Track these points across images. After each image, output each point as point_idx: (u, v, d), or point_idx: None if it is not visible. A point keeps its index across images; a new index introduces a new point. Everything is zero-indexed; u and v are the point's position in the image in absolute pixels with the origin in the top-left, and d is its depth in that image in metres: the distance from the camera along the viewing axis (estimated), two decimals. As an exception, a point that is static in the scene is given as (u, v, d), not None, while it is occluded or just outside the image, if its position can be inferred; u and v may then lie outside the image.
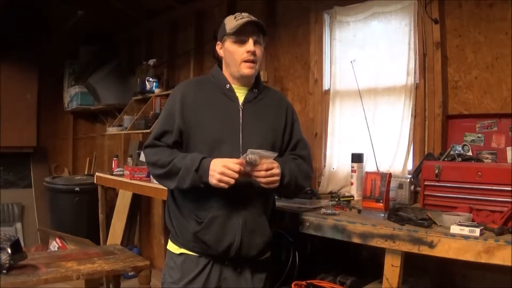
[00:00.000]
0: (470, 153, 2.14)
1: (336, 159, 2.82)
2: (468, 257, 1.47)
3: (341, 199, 2.29)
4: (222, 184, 1.48)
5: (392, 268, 1.66)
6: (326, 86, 2.97)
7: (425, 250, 1.57)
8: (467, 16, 2.27)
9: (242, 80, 1.67)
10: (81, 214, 4.40)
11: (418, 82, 2.43)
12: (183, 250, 1.65)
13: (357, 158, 2.52)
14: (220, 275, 1.64)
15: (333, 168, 2.82)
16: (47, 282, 2.10)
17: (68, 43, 5.06)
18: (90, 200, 4.31)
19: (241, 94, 1.68)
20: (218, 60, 1.74)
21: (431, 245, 1.55)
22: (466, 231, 1.50)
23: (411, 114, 2.42)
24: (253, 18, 1.62)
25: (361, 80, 2.60)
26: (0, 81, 4.60)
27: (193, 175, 1.51)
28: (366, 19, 2.68)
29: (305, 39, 3.08)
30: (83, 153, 5.55)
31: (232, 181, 1.48)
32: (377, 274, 1.97)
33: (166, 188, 1.73)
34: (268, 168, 1.52)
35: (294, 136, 1.77)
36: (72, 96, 5.00)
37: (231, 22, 1.62)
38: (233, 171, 1.47)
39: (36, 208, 5.01)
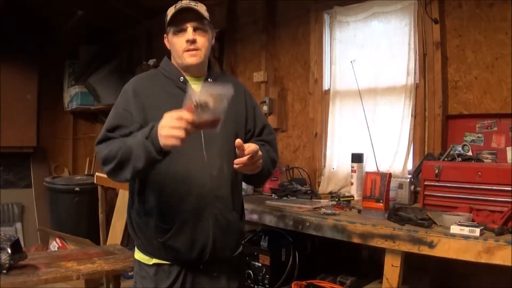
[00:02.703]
0: (470, 153, 2.14)
1: (336, 159, 2.82)
2: (468, 257, 1.47)
3: (341, 199, 2.29)
4: (171, 140, 1.21)
5: (392, 268, 1.66)
6: (326, 86, 2.97)
7: (425, 250, 1.57)
8: (467, 16, 2.27)
9: (192, 70, 1.55)
10: (81, 214, 4.39)
11: (418, 82, 2.44)
12: (155, 260, 1.53)
13: (357, 158, 2.52)
14: (194, 282, 1.54)
15: (333, 168, 2.82)
16: (47, 282, 2.09)
17: (68, 43, 5.06)
18: (90, 200, 4.31)
19: (196, 86, 1.53)
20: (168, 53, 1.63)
21: (431, 245, 1.55)
22: (466, 231, 1.51)
23: (411, 114, 2.42)
24: (191, 4, 1.49)
25: (361, 80, 2.61)
26: (0, 81, 4.60)
27: (144, 146, 1.28)
28: (366, 19, 2.68)
29: (305, 39, 3.08)
30: (83, 153, 5.54)
31: (182, 134, 1.20)
32: (377, 274, 1.98)
33: None
34: (253, 150, 1.37)
35: (258, 122, 1.68)
36: (72, 96, 4.99)
37: (171, 12, 1.52)
38: (181, 119, 1.20)
39: (36, 208, 5.00)
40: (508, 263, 1.39)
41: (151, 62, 4.07)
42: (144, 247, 1.55)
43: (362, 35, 2.71)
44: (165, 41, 1.59)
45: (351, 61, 2.66)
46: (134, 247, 1.62)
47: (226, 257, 1.59)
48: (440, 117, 2.31)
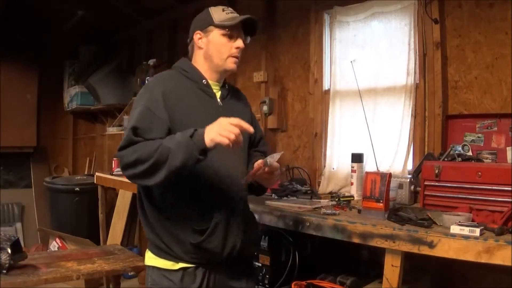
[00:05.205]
0: (470, 153, 2.14)
1: (336, 159, 2.82)
2: (468, 257, 1.47)
3: (341, 199, 2.29)
4: (221, 138, 1.28)
5: (392, 268, 1.66)
6: (326, 86, 2.97)
7: (425, 250, 1.57)
8: (467, 16, 2.27)
9: (221, 75, 1.58)
10: (81, 214, 4.40)
11: (418, 82, 2.44)
12: (181, 265, 1.48)
13: (357, 158, 2.52)
14: (216, 283, 1.54)
15: (333, 168, 2.82)
16: (47, 282, 2.09)
17: (68, 43, 5.06)
18: (90, 200, 4.31)
19: (216, 90, 1.58)
20: (187, 53, 1.62)
21: (431, 245, 1.55)
22: (466, 231, 1.51)
23: (411, 114, 2.42)
24: (253, 18, 1.58)
25: (361, 80, 2.60)
26: (0, 81, 4.60)
27: (186, 144, 1.29)
28: (366, 19, 2.68)
29: (305, 39, 3.08)
30: (83, 153, 5.54)
31: (233, 136, 1.28)
32: (377, 274, 1.98)
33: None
34: (277, 168, 1.50)
35: (257, 132, 1.73)
36: (72, 96, 5.00)
37: (220, 14, 1.53)
38: (237, 126, 1.30)
39: (36, 208, 5.00)
40: (508, 263, 1.38)
41: (151, 62, 4.08)
42: (169, 252, 1.49)
43: (362, 35, 2.71)
44: (196, 38, 1.56)
45: (351, 61, 2.66)
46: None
47: (248, 255, 1.65)
48: (440, 117, 2.31)
